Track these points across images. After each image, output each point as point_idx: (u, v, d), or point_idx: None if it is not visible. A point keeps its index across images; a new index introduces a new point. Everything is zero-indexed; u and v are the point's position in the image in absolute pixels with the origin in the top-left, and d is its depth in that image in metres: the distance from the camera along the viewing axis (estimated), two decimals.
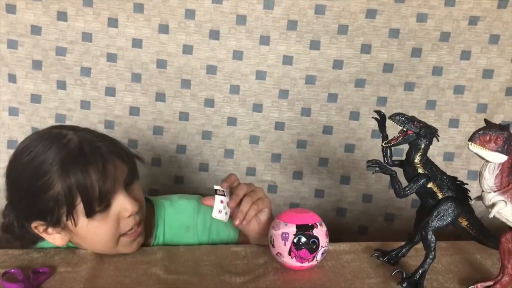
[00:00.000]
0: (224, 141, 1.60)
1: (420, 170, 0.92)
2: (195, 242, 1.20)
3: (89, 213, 0.97)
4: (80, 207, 0.97)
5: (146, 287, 0.94)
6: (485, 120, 0.85)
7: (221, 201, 1.05)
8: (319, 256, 0.98)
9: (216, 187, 1.07)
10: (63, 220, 0.99)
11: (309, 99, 1.56)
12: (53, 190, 0.96)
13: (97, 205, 0.97)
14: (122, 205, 1.01)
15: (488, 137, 0.80)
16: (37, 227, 1.03)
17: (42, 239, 1.08)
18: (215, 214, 1.05)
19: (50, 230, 1.03)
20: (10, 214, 1.05)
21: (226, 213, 1.06)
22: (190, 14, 1.50)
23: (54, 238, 1.04)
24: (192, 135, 1.59)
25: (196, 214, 1.22)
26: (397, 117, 0.88)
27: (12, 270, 0.97)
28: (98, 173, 0.95)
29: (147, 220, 1.15)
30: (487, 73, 1.53)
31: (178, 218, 1.21)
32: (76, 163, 0.95)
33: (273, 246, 0.98)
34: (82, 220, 0.98)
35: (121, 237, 1.04)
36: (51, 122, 1.55)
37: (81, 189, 0.95)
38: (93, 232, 1.01)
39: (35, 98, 1.54)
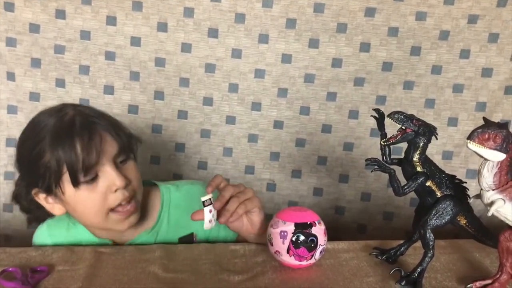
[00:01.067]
0: (223, 140, 1.60)
1: (418, 169, 0.92)
2: (201, 225, 1.19)
3: (75, 183, 1.01)
4: (66, 176, 1.01)
5: (144, 285, 0.94)
6: (484, 119, 0.84)
7: (210, 211, 1.00)
8: (317, 254, 0.97)
9: (203, 198, 1.01)
10: (53, 188, 1.03)
11: (308, 98, 1.56)
12: (44, 159, 1.01)
13: (82, 175, 1.01)
14: (109, 179, 1.04)
15: (487, 135, 0.80)
16: (37, 194, 1.08)
17: (46, 215, 1.14)
18: (206, 225, 1.01)
19: (49, 199, 1.08)
20: (20, 183, 1.11)
21: (216, 219, 1.02)
22: (188, 12, 1.50)
23: (53, 208, 1.09)
24: (191, 133, 1.59)
25: (201, 197, 1.20)
26: (396, 115, 0.88)
27: (10, 269, 0.97)
28: (83, 145, 1.00)
29: (153, 203, 1.20)
30: (486, 72, 1.53)
31: (183, 201, 1.23)
32: (64, 134, 1.01)
33: (272, 244, 0.98)
34: (69, 189, 1.03)
35: (110, 212, 1.07)
36: None
37: (66, 159, 1.00)
38: (81, 202, 1.05)
39: (34, 96, 1.54)
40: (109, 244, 1.15)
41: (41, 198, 1.08)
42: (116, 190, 1.04)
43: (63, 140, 1.00)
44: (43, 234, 1.19)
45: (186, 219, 1.13)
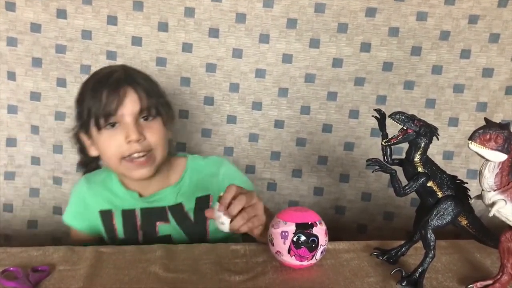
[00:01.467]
0: (224, 139, 1.60)
1: (420, 169, 0.92)
2: (218, 188, 1.22)
3: (97, 126, 1.16)
4: (93, 119, 1.16)
5: (145, 285, 0.94)
6: (485, 119, 0.84)
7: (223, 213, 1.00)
8: (318, 254, 0.97)
9: (222, 194, 1.01)
10: (87, 129, 1.19)
11: (309, 98, 1.56)
12: (84, 101, 1.19)
13: (103, 121, 1.15)
14: (125, 130, 1.16)
15: (488, 136, 0.80)
16: (81, 134, 1.24)
17: (91, 162, 1.35)
18: (220, 226, 1.01)
19: (88, 140, 1.23)
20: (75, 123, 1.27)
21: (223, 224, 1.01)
22: (189, 12, 1.50)
23: (90, 148, 1.25)
24: (192, 133, 1.59)
25: (220, 164, 1.34)
26: (397, 116, 0.88)
27: (11, 268, 0.97)
28: (107, 94, 1.15)
29: (178, 166, 1.33)
30: (487, 72, 1.54)
31: (205, 168, 1.33)
32: (99, 84, 1.17)
33: (273, 244, 0.98)
34: (94, 131, 1.18)
35: (123, 160, 1.18)
36: (50, 119, 1.55)
37: (93, 104, 1.16)
38: (102, 144, 1.19)
39: (35, 96, 1.54)
40: (136, 196, 1.28)
41: (84, 138, 1.24)
42: (129, 142, 1.15)
43: (96, 88, 1.16)
44: (82, 182, 1.34)
45: (204, 182, 1.29)
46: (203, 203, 1.28)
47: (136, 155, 1.17)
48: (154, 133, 1.20)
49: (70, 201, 1.35)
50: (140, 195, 1.28)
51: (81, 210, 1.31)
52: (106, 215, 1.29)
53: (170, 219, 1.28)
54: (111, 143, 1.17)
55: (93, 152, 1.25)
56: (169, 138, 1.28)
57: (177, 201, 1.28)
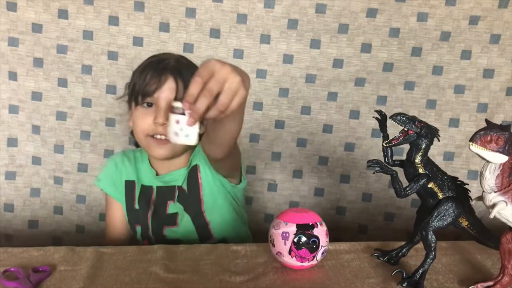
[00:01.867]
0: None
1: (420, 170, 0.92)
2: (202, 158, 1.33)
3: (135, 102, 1.28)
4: (134, 95, 1.28)
5: (146, 286, 0.94)
6: (486, 121, 0.84)
7: (177, 122, 0.86)
8: (319, 255, 0.97)
9: (174, 103, 0.87)
10: (129, 99, 1.31)
11: (309, 98, 1.56)
12: (134, 77, 1.30)
13: (140, 98, 1.26)
14: (156, 112, 1.24)
15: (489, 138, 0.80)
16: (128, 103, 1.34)
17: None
18: (172, 137, 0.88)
19: (130, 112, 1.33)
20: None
21: (187, 135, 0.87)
22: (190, 12, 1.50)
23: (131, 120, 1.34)
24: None
25: None
26: (398, 117, 0.88)
27: (12, 269, 0.97)
28: (150, 77, 1.25)
29: (191, 151, 1.37)
30: (488, 73, 1.54)
31: None
32: (149, 66, 1.28)
33: (273, 245, 0.98)
34: (133, 105, 1.29)
35: (148, 137, 1.27)
36: (52, 119, 1.55)
37: (136, 82, 1.27)
38: (136, 119, 1.29)
39: (36, 96, 1.54)
40: (154, 174, 1.36)
41: (130, 109, 1.33)
42: (156, 123, 1.24)
43: (146, 68, 1.27)
44: (119, 153, 1.46)
45: (192, 155, 1.35)
46: (192, 172, 1.33)
47: (158, 136, 1.25)
48: None
49: (104, 168, 1.45)
50: (157, 174, 1.37)
51: (113, 176, 1.41)
52: (130, 185, 1.39)
53: (176, 197, 1.34)
54: (142, 120, 1.27)
55: (129, 123, 1.35)
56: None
57: (185, 182, 1.35)
